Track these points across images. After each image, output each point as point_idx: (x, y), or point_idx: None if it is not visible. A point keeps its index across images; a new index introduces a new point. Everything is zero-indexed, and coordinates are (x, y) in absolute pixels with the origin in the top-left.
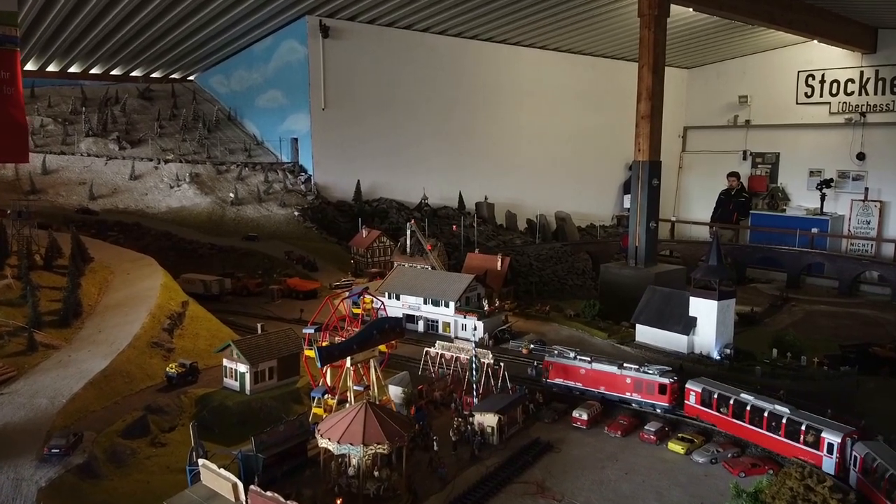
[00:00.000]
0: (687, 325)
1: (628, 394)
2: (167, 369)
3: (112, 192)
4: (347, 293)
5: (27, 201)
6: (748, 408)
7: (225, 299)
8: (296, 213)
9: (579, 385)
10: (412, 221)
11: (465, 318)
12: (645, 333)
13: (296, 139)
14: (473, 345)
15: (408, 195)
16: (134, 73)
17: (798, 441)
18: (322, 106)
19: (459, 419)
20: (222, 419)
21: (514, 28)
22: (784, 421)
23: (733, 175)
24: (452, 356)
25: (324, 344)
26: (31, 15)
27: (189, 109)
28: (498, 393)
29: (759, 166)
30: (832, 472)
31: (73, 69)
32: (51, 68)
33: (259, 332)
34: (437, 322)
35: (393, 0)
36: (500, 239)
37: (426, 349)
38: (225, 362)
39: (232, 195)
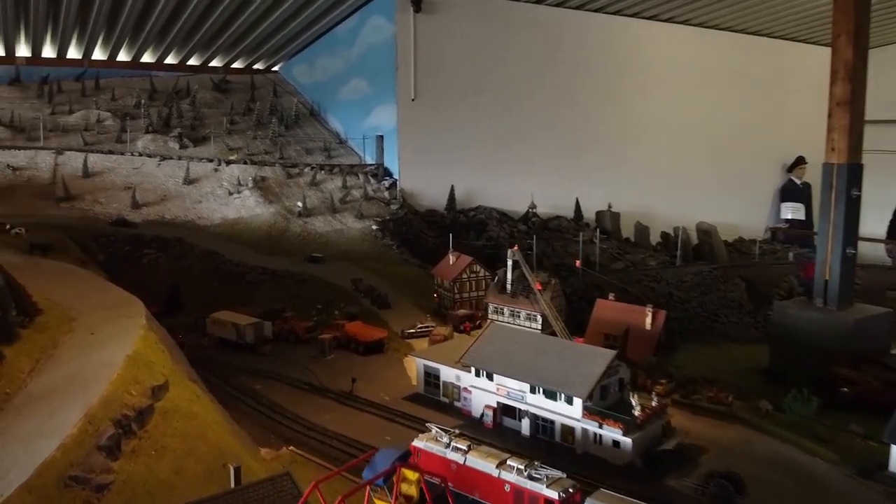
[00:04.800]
0: None
1: None
2: None
3: (161, 198)
4: (364, 474)
5: None
6: None
7: (261, 350)
8: (374, 228)
9: (450, 485)
10: (514, 248)
11: (600, 426)
12: None
13: (381, 137)
14: None
15: (511, 203)
16: (213, 64)
17: None
18: (411, 96)
19: None
20: None
21: None
22: None
23: None
24: None
25: None
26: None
27: (266, 103)
28: None
29: None
30: None
31: (145, 58)
32: (121, 57)
33: (231, 482)
34: (552, 424)
35: None
36: (629, 259)
37: None
38: None
39: (300, 204)
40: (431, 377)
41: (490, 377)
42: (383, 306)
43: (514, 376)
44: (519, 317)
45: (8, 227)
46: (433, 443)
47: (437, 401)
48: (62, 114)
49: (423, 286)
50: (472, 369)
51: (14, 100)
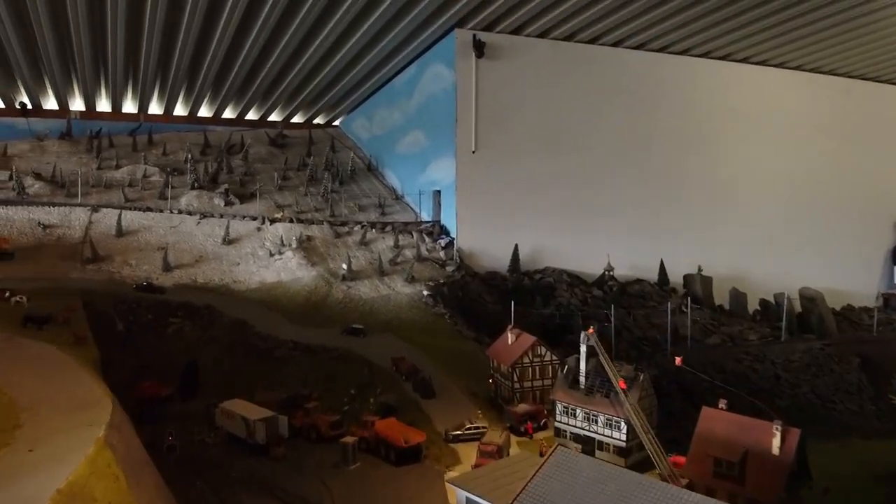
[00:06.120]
0: None
1: None
2: None
3: (195, 260)
4: None
5: None
6: None
7: (274, 453)
8: (425, 293)
9: None
10: (590, 331)
11: None
12: None
13: (438, 192)
14: None
15: (584, 264)
16: (272, 118)
17: None
18: (472, 147)
19: None
20: None
21: (740, 39)
22: None
23: None
24: None
25: None
26: (120, 49)
27: (321, 158)
28: None
29: None
30: None
31: (202, 112)
32: (178, 111)
33: None
34: None
35: (581, 2)
36: (724, 331)
37: None
38: None
39: (345, 266)
40: None
41: None
42: (427, 394)
43: None
44: (596, 422)
45: (8, 294)
46: None
47: None
48: (108, 168)
49: (478, 365)
50: None
51: (62, 154)
